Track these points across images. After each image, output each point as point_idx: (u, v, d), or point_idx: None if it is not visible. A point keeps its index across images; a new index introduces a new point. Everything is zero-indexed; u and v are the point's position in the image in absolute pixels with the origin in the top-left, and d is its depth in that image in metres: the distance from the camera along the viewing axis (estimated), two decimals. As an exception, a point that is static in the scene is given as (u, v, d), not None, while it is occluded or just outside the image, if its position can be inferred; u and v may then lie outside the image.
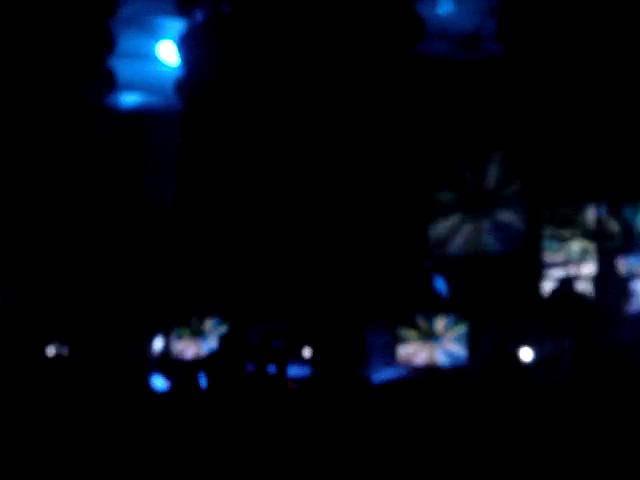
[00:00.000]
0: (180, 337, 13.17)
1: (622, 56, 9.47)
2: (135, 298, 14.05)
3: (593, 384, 7.27)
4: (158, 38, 10.82)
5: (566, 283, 11.54)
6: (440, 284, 12.64)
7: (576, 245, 11.85)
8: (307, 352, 11.87)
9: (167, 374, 10.22)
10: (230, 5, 11.81)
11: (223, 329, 13.01)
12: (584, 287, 11.80)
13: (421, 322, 11.99)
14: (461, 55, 9.90)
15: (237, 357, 7.51)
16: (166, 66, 10.83)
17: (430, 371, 11.49)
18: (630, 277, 9.80)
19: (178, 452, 5.66)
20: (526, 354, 10.87)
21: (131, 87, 10.81)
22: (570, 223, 11.67)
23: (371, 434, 5.36)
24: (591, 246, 12.35)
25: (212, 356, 8.67)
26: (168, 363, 12.68)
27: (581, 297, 11.41)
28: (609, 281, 10.52)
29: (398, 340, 11.93)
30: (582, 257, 11.69)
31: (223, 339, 8.80)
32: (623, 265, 10.39)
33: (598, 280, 11.44)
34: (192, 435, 5.87)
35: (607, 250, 11.68)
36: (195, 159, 14.68)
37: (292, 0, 12.52)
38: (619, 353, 9.25)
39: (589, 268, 12.32)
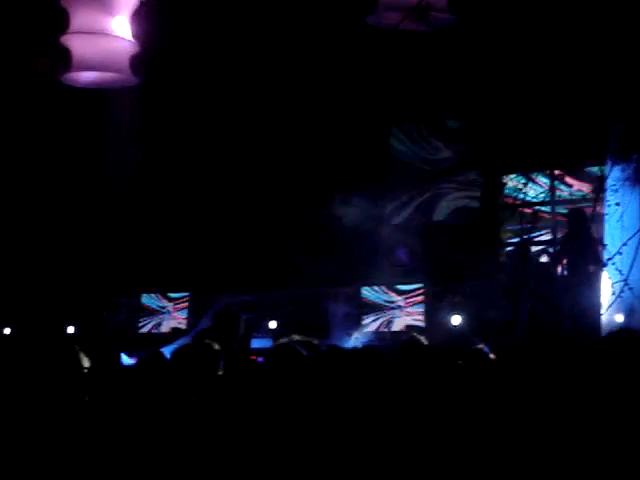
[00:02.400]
0: (143, 311, 13.19)
1: (572, 26, 9.59)
2: (96, 272, 14.06)
3: (550, 349, 7.39)
4: (111, 14, 10.73)
5: (523, 248, 11.71)
6: (399, 253, 12.78)
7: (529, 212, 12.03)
8: (272, 324, 11.99)
9: (130, 349, 10.23)
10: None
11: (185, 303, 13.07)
12: (539, 252, 12.00)
13: (381, 289, 12.12)
14: (412, 26, 9.95)
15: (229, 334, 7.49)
16: (121, 42, 10.76)
17: (391, 339, 11.61)
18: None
19: (149, 429, 5.69)
20: (456, 319, 11.05)
21: (86, 64, 10.72)
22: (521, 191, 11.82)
23: (338, 405, 5.41)
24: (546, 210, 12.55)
25: (205, 331, 8.65)
26: (131, 338, 12.69)
27: (537, 262, 11.59)
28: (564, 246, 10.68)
29: (360, 309, 12.05)
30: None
31: (216, 315, 8.72)
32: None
33: (553, 244, 11.64)
34: (161, 412, 5.89)
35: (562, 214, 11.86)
36: (154, 133, 14.68)
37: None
38: (575, 316, 9.42)
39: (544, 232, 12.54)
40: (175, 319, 13.08)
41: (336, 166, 13.88)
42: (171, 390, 5.96)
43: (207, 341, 6.11)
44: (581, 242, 9.89)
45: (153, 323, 13.09)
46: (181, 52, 13.37)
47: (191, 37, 13.25)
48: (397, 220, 14.59)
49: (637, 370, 5.15)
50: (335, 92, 13.38)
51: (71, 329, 12.79)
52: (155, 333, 12.97)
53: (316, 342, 6.13)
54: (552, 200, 12.53)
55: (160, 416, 5.71)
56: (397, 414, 5.13)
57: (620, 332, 5.38)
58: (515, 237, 12.62)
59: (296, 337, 6.09)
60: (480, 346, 6.38)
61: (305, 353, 5.80)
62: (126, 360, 8.86)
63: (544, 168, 12.12)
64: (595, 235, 9.33)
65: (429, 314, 11.70)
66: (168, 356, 6.77)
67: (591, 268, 9.57)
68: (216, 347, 6.07)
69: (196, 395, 5.81)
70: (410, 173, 14.37)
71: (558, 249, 10.78)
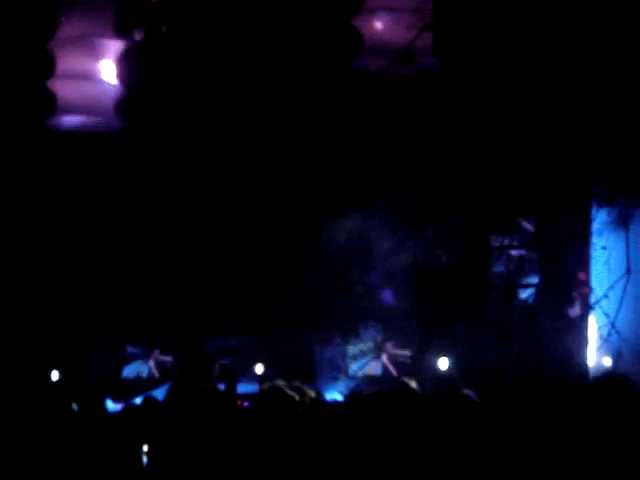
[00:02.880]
0: (129, 358, 13.09)
1: (554, 70, 9.65)
2: (80, 318, 13.97)
3: (537, 391, 7.37)
4: (98, 58, 10.77)
5: (508, 292, 11.71)
6: (387, 297, 12.74)
7: (515, 255, 12.03)
8: (259, 369, 11.92)
9: (116, 396, 10.14)
10: (168, 25, 11.82)
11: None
12: (526, 295, 11.99)
13: (369, 334, 12.09)
14: (398, 70, 10.01)
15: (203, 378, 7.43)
16: (106, 86, 10.79)
17: (379, 383, 11.55)
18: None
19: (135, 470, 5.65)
20: (443, 363, 11.01)
21: (72, 108, 10.74)
22: (510, 233, 11.81)
23: (324, 450, 5.39)
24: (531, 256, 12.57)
25: (182, 376, 8.58)
26: (117, 384, 12.58)
27: (523, 305, 11.58)
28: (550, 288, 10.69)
29: (346, 353, 12.00)
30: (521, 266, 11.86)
31: (190, 359, 8.63)
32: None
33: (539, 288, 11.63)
34: (146, 454, 5.84)
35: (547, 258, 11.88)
36: (136, 176, 14.65)
37: (230, 18, 12.55)
38: (562, 359, 9.40)
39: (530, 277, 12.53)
40: (160, 364, 13.00)
41: (321, 206, 13.88)
42: (164, 434, 5.91)
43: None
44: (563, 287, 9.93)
45: (138, 368, 13.01)
46: (165, 97, 13.38)
47: (175, 83, 13.28)
48: (386, 263, 14.56)
49: (625, 414, 5.13)
50: (319, 135, 13.42)
51: (55, 375, 12.69)
52: (140, 378, 12.88)
53: (308, 390, 6.09)
54: (541, 242, 12.55)
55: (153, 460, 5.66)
56: (386, 460, 5.11)
57: (607, 377, 5.36)
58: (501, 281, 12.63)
59: (280, 382, 6.05)
60: (466, 392, 6.36)
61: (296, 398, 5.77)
62: (111, 406, 8.79)
63: (529, 213, 12.15)
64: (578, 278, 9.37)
65: (416, 357, 11.66)
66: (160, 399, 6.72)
67: (576, 312, 9.60)
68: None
69: (188, 439, 5.76)
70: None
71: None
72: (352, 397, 6.17)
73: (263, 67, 13.04)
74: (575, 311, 9.92)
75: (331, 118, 12.92)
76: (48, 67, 10.53)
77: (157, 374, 12.96)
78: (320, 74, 12.32)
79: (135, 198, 14.64)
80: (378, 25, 10.35)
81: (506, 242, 11.56)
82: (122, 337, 13.19)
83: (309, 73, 12.57)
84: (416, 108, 12.57)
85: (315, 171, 13.67)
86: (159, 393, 7.80)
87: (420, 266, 13.84)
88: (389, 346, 12.00)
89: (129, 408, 6.82)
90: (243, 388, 9.91)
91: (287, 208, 13.95)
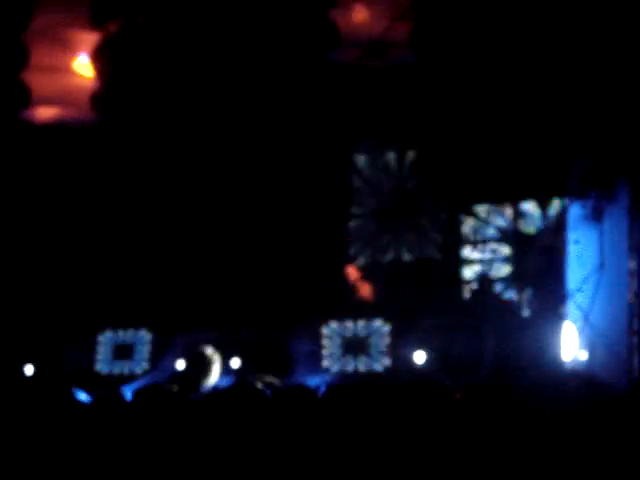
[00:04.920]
0: (103, 350, 13.03)
1: (533, 61, 9.65)
2: (54, 307, 13.91)
3: (513, 386, 7.39)
4: (72, 50, 10.71)
5: (484, 285, 11.72)
6: (363, 290, 12.73)
7: (492, 246, 12.04)
8: (234, 363, 11.87)
9: (88, 388, 10.10)
10: (144, 16, 11.77)
11: (148, 342, 12.93)
12: (501, 288, 11.99)
13: (345, 328, 12.07)
14: (373, 62, 9.99)
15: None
16: (81, 78, 10.73)
17: (355, 377, 11.56)
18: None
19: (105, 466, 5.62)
20: (420, 357, 11.02)
21: (46, 100, 10.69)
22: (485, 224, 11.83)
23: (303, 443, 5.38)
24: (506, 247, 12.58)
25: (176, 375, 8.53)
26: (90, 377, 12.53)
27: (499, 298, 11.59)
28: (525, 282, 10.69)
29: (322, 347, 11.99)
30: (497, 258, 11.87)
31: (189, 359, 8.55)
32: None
33: (514, 280, 11.64)
34: (115, 449, 5.82)
35: (522, 251, 11.89)
36: (113, 171, 14.59)
37: (206, 8, 12.51)
38: (537, 352, 9.42)
39: (505, 269, 12.54)
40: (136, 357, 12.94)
41: (296, 199, 13.85)
42: (127, 430, 5.89)
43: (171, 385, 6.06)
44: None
45: (112, 361, 12.94)
46: (141, 90, 13.33)
47: (151, 76, 13.22)
48: (361, 257, 14.56)
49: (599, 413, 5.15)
50: (295, 128, 13.39)
51: (29, 369, 12.63)
52: (116, 372, 12.82)
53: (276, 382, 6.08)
54: (515, 235, 12.56)
55: (114, 454, 5.63)
56: (362, 452, 5.10)
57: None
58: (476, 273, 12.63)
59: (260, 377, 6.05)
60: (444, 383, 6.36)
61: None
62: (84, 399, 8.74)
63: (506, 201, 12.18)
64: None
65: (392, 352, 11.65)
66: (129, 395, 6.68)
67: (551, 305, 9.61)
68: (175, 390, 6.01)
69: (153, 436, 5.74)
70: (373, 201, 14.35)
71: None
72: (330, 389, 6.17)
73: (240, 58, 13.01)
74: (550, 304, 9.93)
75: (307, 110, 12.92)
76: (21, 59, 10.47)
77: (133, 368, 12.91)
78: (296, 66, 12.31)
79: (113, 190, 14.58)
80: (354, 17, 10.34)
81: (479, 236, 11.57)
82: (97, 330, 13.12)
83: (285, 65, 12.55)
84: (391, 101, 12.57)
85: (286, 160, 13.67)
86: (132, 387, 7.76)
87: (394, 260, 13.86)
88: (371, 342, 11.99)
89: (99, 400, 6.79)
90: (220, 381, 9.91)
91: (263, 200, 13.94)
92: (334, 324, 11.98)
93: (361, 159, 14.63)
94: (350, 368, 11.81)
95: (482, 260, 11.92)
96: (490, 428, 5.46)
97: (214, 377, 7.05)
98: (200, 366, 7.04)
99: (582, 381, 8.16)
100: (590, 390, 7.95)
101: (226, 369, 11.69)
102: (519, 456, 5.27)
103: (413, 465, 5.03)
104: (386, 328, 11.74)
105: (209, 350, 7.14)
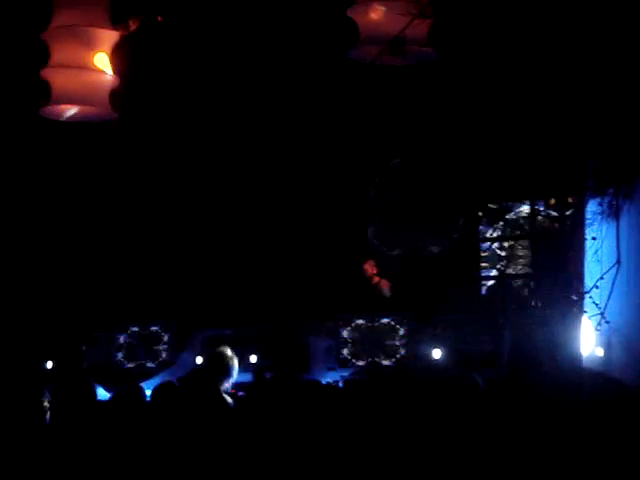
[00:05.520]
0: (122, 345, 13.09)
1: (548, 58, 9.64)
2: (75, 305, 13.98)
3: (529, 382, 7.40)
4: (92, 48, 10.75)
5: (501, 281, 11.73)
6: (381, 286, 12.75)
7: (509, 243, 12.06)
8: (253, 358, 11.93)
9: (108, 384, 10.16)
10: (163, 15, 11.81)
11: (167, 337, 12.99)
12: (518, 285, 12.01)
13: (363, 324, 12.09)
14: (392, 60, 9.98)
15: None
16: (101, 76, 10.77)
17: (373, 372, 11.59)
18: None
19: (123, 462, 5.67)
20: (437, 354, 11.03)
21: (66, 97, 10.73)
22: (502, 222, 11.85)
23: (321, 438, 5.42)
24: (524, 244, 12.59)
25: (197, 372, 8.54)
26: (109, 372, 12.59)
27: (516, 294, 11.61)
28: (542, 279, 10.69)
29: (340, 343, 12.02)
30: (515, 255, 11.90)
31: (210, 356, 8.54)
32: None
33: (532, 277, 11.65)
34: (135, 445, 5.87)
35: (539, 248, 11.90)
36: (132, 167, 14.67)
37: (225, 8, 12.55)
38: (554, 348, 9.41)
39: (522, 266, 12.55)
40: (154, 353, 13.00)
41: (316, 199, 13.89)
42: (147, 426, 5.93)
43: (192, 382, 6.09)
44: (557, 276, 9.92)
45: (133, 357, 13.00)
46: (161, 88, 13.40)
47: (171, 74, 13.29)
48: (380, 252, 14.57)
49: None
50: (315, 126, 13.42)
51: (49, 364, 12.71)
52: (136, 367, 12.89)
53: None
54: (532, 232, 12.56)
55: (134, 451, 5.67)
56: (382, 446, 5.13)
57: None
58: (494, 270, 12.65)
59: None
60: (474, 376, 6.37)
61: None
62: (103, 394, 8.81)
63: (524, 199, 12.18)
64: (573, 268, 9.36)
65: (410, 347, 11.67)
66: (149, 391, 6.73)
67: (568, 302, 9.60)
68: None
69: (172, 433, 5.78)
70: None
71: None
72: (349, 383, 6.20)
73: (259, 57, 13.06)
74: (567, 301, 9.92)
75: (326, 109, 12.94)
76: (42, 56, 10.52)
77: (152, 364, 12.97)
78: (315, 65, 12.34)
79: (130, 187, 14.67)
80: (373, 15, 10.31)
81: (497, 232, 11.61)
82: (116, 326, 13.19)
83: (304, 64, 12.58)
84: (411, 99, 12.59)
85: (303, 159, 13.71)
86: (153, 383, 7.80)
87: (412, 257, 13.88)
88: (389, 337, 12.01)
89: (118, 396, 6.83)
90: (238, 378, 9.92)
91: (276, 197, 13.98)
92: (352, 320, 12.01)
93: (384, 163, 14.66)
94: (367, 363, 11.85)
95: (500, 257, 11.94)
96: (507, 423, 5.49)
97: (233, 378, 7.07)
98: (219, 367, 7.04)
99: (598, 378, 8.15)
100: (606, 387, 7.95)
101: (244, 364, 11.75)
102: (535, 450, 5.30)
103: (428, 459, 5.07)
104: (404, 324, 11.77)
105: (228, 351, 7.15)
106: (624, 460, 5.50)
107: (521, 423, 5.53)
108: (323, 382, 10.30)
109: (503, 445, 5.29)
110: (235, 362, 7.11)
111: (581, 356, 8.94)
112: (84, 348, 13.10)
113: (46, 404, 6.01)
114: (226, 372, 7.06)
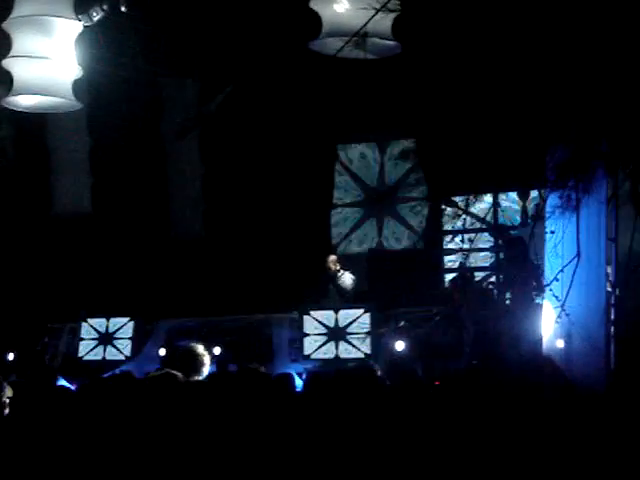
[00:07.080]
0: (85, 338, 13.00)
1: (508, 49, 9.68)
2: (37, 297, 13.92)
3: (491, 373, 7.44)
4: (55, 38, 10.70)
5: (463, 274, 11.79)
6: (345, 279, 12.76)
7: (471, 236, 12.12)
8: (216, 351, 11.90)
9: (71, 376, 10.10)
10: (126, 5, 11.76)
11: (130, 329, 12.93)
12: (481, 277, 12.10)
13: (326, 316, 12.10)
14: (356, 53, 9.99)
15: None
16: (64, 66, 10.73)
17: (335, 365, 11.60)
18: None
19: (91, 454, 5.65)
20: (399, 346, 11.08)
21: (28, 88, 10.68)
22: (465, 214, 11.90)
23: (281, 431, 5.42)
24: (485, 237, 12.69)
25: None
26: (71, 364, 12.50)
27: (479, 287, 11.68)
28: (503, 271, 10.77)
29: (304, 335, 12.02)
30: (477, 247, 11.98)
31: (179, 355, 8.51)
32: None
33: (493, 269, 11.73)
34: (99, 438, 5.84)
35: (500, 240, 11.99)
36: (102, 158, 14.62)
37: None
38: (516, 341, 9.50)
39: (485, 258, 12.66)
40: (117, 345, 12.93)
41: (280, 190, 13.90)
42: (111, 418, 5.90)
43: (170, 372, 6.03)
44: (522, 268, 9.99)
45: (96, 349, 12.92)
46: (123, 78, 13.34)
47: (133, 63, 13.24)
48: (342, 246, 14.64)
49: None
50: (279, 112, 13.42)
51: (11, 356, 12.63)
52: (97, 359, 12.81)
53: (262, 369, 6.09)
54: (494, 225, 12.65)
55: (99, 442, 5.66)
56: (345, 442, 5.15)
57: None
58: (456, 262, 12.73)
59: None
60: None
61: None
62: (66, 386, 8.76)
63: (486, 191, 12.24)
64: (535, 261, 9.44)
65: (373, 340, 11.70)
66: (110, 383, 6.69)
67: (533, 294, 9.69)
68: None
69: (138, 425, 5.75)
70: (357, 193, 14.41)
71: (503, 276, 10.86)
72: (312, 377, 6.20)
73: (221, 46, 13.05)
74: (527, 293, 10.01)
75: (288, 102, 12.95)
76: (4, 46, 10.47)
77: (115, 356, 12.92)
78: (277, 57, 12.33)
79: (105, 180, 14.63)
80: (337, 7, 10.31)
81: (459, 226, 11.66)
82: (80, 317, 13.11)
83: (266, 57, 12.57)
84: (374, 94, 12.60)
85: (268, 151, 13.72)
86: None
87: (376, 250, 13.95)
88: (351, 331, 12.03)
89: (82, 388, 6.80)
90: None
91: (241, 191, 13.99)
92: (315, 312, 12.01)
93: (344, 151, 14.71)
94: (331, 356, 11.86)
95: (462, 249, 12.00)
96: (467, 415, 5.52)
97: (203, 375, 7.03)
98: (191, 364, 7.00)
99: (558, 370, 8.24)
100: (566, 379, 8.04)
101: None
102: (494, 443, 5.33)
103: (390, 454, 5.09)
104: (367, 316, 11.78)
105: (200, 349, 7.10)
106: (582, 447, 5.55)
107: (482, 413, 5.55)
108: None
109: (461, 436, 5.31)
110: (206, 359, 7.08)
111: (540, 348, 9.03)
112: (46, 340, 13.03)
113: (5, 399, 5.97)
114: (196, 369, 7.01)
